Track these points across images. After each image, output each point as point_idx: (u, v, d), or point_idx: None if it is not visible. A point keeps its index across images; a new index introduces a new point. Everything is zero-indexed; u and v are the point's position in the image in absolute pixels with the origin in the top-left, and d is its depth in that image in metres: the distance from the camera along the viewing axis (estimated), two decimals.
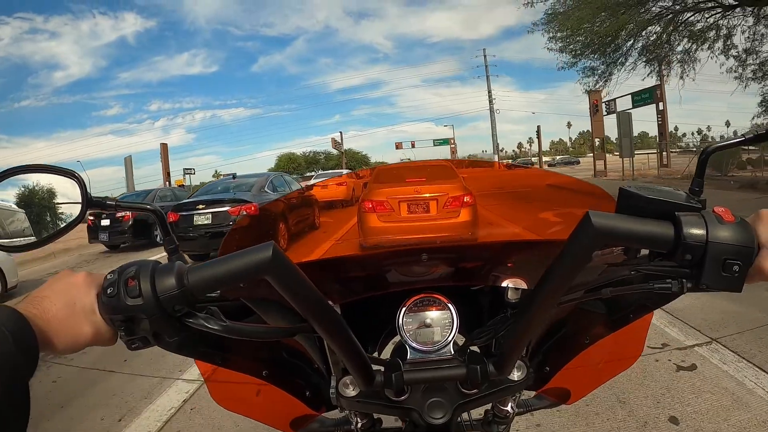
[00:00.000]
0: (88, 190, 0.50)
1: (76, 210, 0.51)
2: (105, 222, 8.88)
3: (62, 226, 0.55)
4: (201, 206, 6.88)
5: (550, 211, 0.86)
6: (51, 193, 0.57)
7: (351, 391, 0.65)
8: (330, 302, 0.52)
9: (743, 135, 0.48)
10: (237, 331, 0.52)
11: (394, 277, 0.74)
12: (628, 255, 0.53)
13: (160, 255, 3.86)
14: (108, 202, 0.49)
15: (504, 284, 0.70)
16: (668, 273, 0.46)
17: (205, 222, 6.92)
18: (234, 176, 8.89)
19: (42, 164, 0.51)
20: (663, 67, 16.03)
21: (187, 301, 0.45)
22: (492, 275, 0.76)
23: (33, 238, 0.56)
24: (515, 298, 0.65)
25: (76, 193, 0.51)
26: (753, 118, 15.62)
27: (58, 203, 0.58)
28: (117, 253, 9.54)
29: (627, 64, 15.25)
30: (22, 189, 0.57)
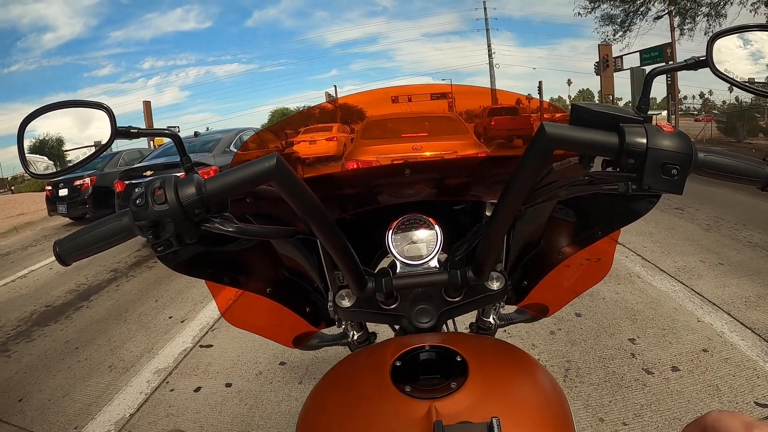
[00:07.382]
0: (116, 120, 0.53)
1: (105, 137, 0.54)
2: (63, 192, 7.83)
3: (90, 153, 0.57)
4: (149, 173, 5.79)
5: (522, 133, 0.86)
6: (60, 141, 0.61)
7: (347, 302, 0.71)
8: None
9: (685, 60, 0.53)
10: (248, 231, 0.56)
11: (383, 197, 0.79)
12: (584, 165, 0.58)
13: None
14: (131, 131, 0.53)
15: (481, 199, 0.75)
16: (615, 177, 0.50)
17: None
18: (196, 134, 7.77)
19: (70, 99, 0.55)
20: (687, 21, 15.13)
21: (206, 206, 0.50)
22: (470, 193, 0.81)
23: (58, 167, 0.61)
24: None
25: (100, 124, 0.54)
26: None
27: (67, 150, 0.61)
28: (82, 226, 8.73)
29: (649, 14, 14.38)
30: (33, 141, 0.60)
